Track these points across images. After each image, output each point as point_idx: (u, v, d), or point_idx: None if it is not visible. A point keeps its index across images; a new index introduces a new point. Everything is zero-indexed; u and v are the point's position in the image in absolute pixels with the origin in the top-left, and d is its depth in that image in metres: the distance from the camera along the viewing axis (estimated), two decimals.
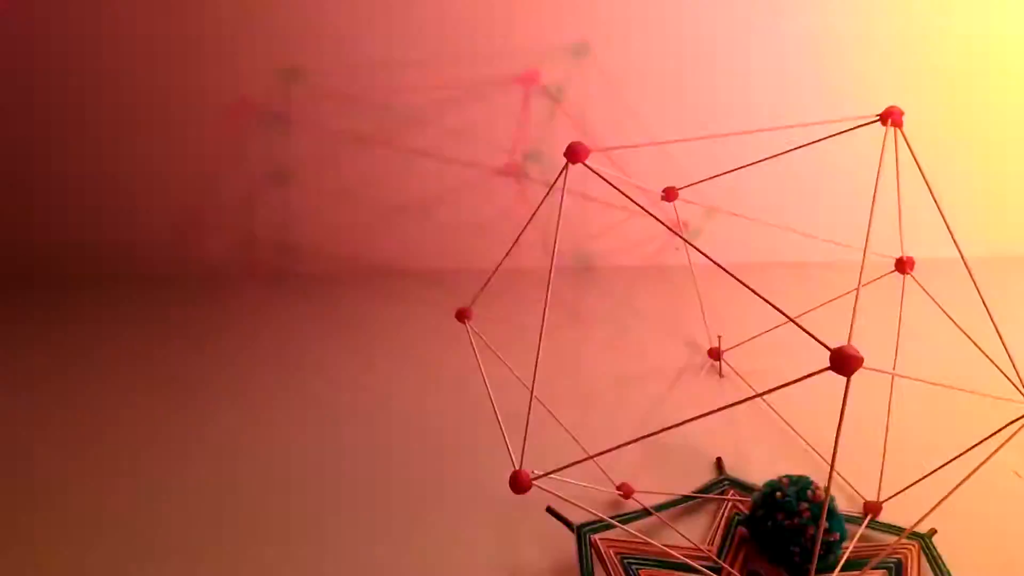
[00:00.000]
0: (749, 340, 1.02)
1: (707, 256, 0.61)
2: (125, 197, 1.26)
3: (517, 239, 0.75)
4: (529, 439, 0.66)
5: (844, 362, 0.48)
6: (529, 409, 0.60)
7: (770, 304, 0.56)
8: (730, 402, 0.91)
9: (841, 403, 0.51)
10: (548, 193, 0.72)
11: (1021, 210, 1.35)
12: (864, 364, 0.48)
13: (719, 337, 1.04)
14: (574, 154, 0.64)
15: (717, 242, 1.25)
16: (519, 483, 0.59)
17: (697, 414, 0.80)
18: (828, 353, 0.49)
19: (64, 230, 1.28)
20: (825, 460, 0.82)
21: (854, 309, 0.54)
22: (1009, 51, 1.22)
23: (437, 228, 1.28)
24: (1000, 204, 1.33)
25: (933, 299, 0.83)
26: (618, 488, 0.79)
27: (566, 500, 0.68)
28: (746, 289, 0.57)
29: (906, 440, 0.84)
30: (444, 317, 0.83)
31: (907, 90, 1.22)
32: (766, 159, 0.85)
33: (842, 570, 0.67)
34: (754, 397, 0.59)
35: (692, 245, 0.63)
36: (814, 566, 0.58)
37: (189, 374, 1.03)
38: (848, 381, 0.49)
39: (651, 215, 0.67)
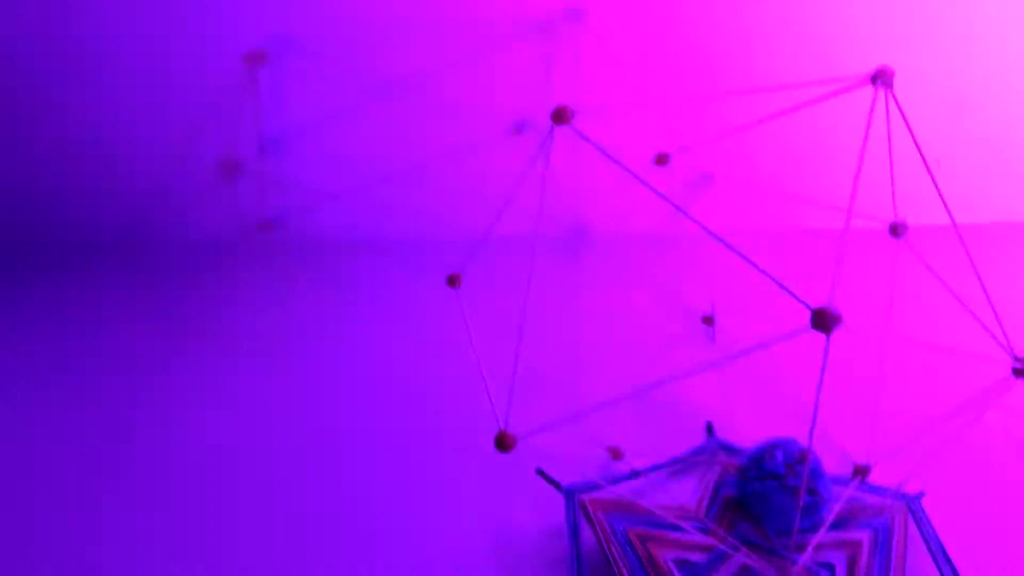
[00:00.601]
0: (743, 307, 1.03)
1: (699, 224, 0.61)
2: (105, 165, 1.26)
3: (505, 205, 0.75)
4: (522, 405, 0.67)
5: (824, 320, 0.48)
6: (515, 366, 0.60)
7: (757, 268, 0.57)
8: (723, 368, 0.92)
9: (831, 366, 0.51)
10: (535, 158, 0.72)
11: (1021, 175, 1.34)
12: (853, 328, 0.49)
13: (713, 304, 1.04)
14: (560, 117, 0.64)
15: (712, 209, 1.24)
16: (503, 442, 0.60)
17: (689, 379, 0.81)
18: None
19: (44, 201, 1.28)
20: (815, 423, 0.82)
21: (835, 269, 0.54)
22: (1008, 9, 1.21)
23: (430, 195, 1.27)
24: (1000, 169, 1.32)
25: (925, 264, 0.83)
26: (608, 451, 0.80)
27: (555, 462, 0.69)
28: (742, 257, 0.57)
29: (898, 404, 0.84)
30: (438, 285, 0.83)
31: (899, 48, 1.20)
32: (754, 124, 0.85)
33: (828, 531, 0.68)
34: (738, 356, 0.60)
35: (685, 213, 0.63)
36: (797, 526, 0.59)
37: (175, 344, 1.04)
38: (828, 339, 0.50)
39: (641, 181, 0.67)
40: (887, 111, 0.72)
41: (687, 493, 0.76)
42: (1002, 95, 1.27)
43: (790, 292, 0.52)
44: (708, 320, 1.04)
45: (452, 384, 0.92)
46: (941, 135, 1.23)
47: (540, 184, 0.68)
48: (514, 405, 0.69)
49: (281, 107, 1.22)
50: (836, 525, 0.69)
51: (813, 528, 0.67)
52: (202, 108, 1.22)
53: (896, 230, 0.86)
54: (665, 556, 0.67)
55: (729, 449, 0.81)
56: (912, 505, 0.73)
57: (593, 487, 0.73)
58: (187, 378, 0.96)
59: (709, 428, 0.85)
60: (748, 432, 0.82)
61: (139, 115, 1.23)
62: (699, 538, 0.69)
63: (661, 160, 0.91)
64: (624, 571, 0.66)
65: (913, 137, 0.71)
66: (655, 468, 0.79)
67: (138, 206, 1.28)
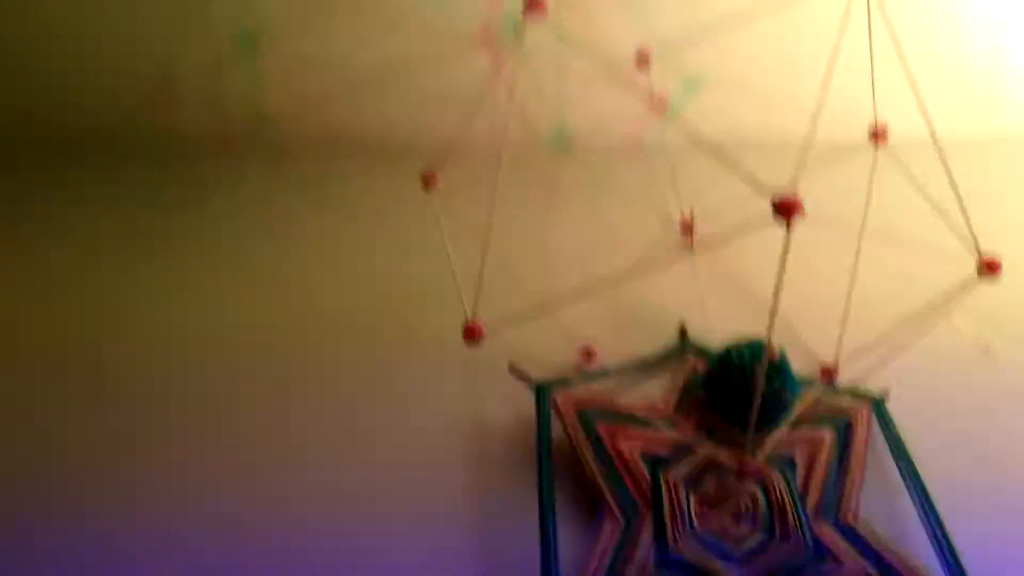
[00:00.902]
0: (724, 217, 1.02)
1: (684, 132, 0.60)
2: (88, 61, 1.24)
3: (480, 102, 0.74)
4: (496, 304, 0.67)
5: (783, 207, 0.49)
6: (483, 258, 0.60)
7: (733, 170, 0.56)
8: (699, 274, 0.93)
9: (803, 268, 0.51)
10: (511, 56, 0.71)
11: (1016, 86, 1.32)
12: (824, 226, 0.49)
13: (691, 210, 1.04)
14: (532, 5, 0.63)
15: (698, 116, 1.23)
16: (471, 333, 0.61)
17: (664, 283, 0.81)
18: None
19: (26, 95, 1.26)
20: (787, 324, 0.83)
21: (801, 160, 0.53)
22: None
23: (413, 99, 1.26)
24: (993, 80, 1.30)
25: (905, 170, 0.83)
26: (581, 350, 0.81)
27: (529, 360, 0.70)
28: (726, 167, 0.57)
29: (870, 309, 0.85)
30: (417, 188, 0.83)
31: None
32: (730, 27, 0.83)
33: (793, 428, 0.69)
34: (706, 251, 0.60)
35: (665, 117, 0.63)
36: (754, 419, 0.60)
37: (162, 242, 1.04)
38: (789, 228, 0.50)
39: (621, 81, 0.66)
40: (868, 10, 0.70)
41: (657, 391, 0.78)
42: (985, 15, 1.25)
43: (753, 184, 0.52)
44: (688, 229, 1.04)
45: (431, 283, 0.92)
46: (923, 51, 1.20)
47: (512, 77, 0.67)
48: (489, 304, 0.69)
49: (261, 4, 1.20)
50: (800, 423, 0.71)
51: (776, 424, 0.69)
52: (183, 8, 1.20)
53: (876, 134, 0.86)
54: (632, 449, 0.69)
55: (700, 350, 0.82)
56: (876, 405, 0.74)
57: (564, 383, 0.75)
58: (168, 283, 0.98)
59: (681, 329, 0.86)
60: (720, 334, 0.83)
61: (137, 10, 1.21)
62: (666, 433, 0.71)
63: (641, 60, 0.90)
64: (591, 463, 0.67)
65: (894, 39, 0.70)
66: (626, 367, 0.80)
67: (124, 104, 1.26)
